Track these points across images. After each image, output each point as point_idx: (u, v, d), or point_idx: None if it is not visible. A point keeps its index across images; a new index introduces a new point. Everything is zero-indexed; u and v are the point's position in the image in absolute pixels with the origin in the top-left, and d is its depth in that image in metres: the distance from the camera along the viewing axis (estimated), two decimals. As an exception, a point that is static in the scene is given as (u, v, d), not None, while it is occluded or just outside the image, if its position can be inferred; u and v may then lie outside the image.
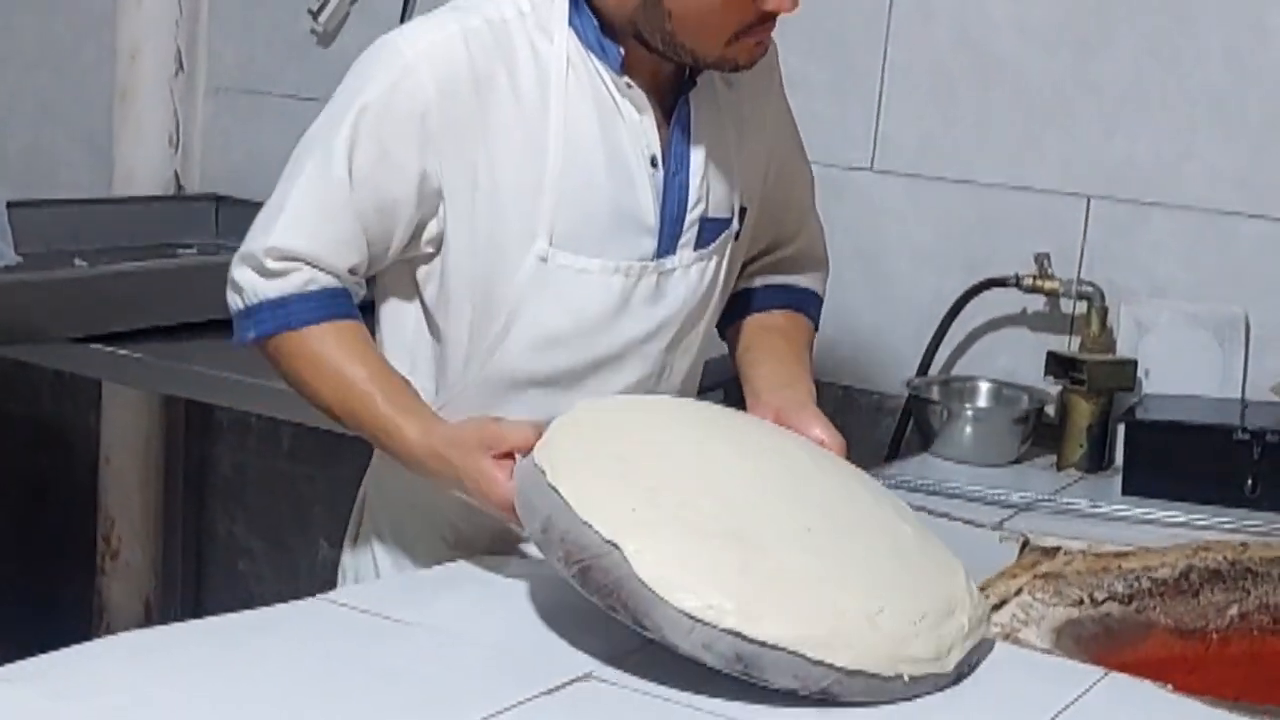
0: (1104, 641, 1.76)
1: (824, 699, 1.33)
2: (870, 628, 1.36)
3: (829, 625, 1.34)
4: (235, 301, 1.65)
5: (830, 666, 1.32)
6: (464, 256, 1.64)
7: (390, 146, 1.60)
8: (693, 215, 1.70)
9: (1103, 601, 1.82)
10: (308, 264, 1.62)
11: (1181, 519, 2.07)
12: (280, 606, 1.49)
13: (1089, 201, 2.44)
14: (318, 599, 1.51)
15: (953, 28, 2.50)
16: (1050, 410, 2.39)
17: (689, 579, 1.32)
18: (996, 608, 1.75)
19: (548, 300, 1.65)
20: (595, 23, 1.62)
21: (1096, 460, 2.33)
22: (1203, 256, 2.38)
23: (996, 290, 2.49)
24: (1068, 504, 2.12)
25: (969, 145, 2.50)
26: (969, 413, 2.39)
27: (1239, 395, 2.33)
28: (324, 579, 2.04)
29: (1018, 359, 2.52)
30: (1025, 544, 1.97)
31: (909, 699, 1.36)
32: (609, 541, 1.34)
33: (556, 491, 1.38)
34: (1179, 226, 2.39)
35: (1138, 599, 1.84)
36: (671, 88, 1.68)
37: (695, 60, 1.62)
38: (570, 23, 1.62)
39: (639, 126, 1.65)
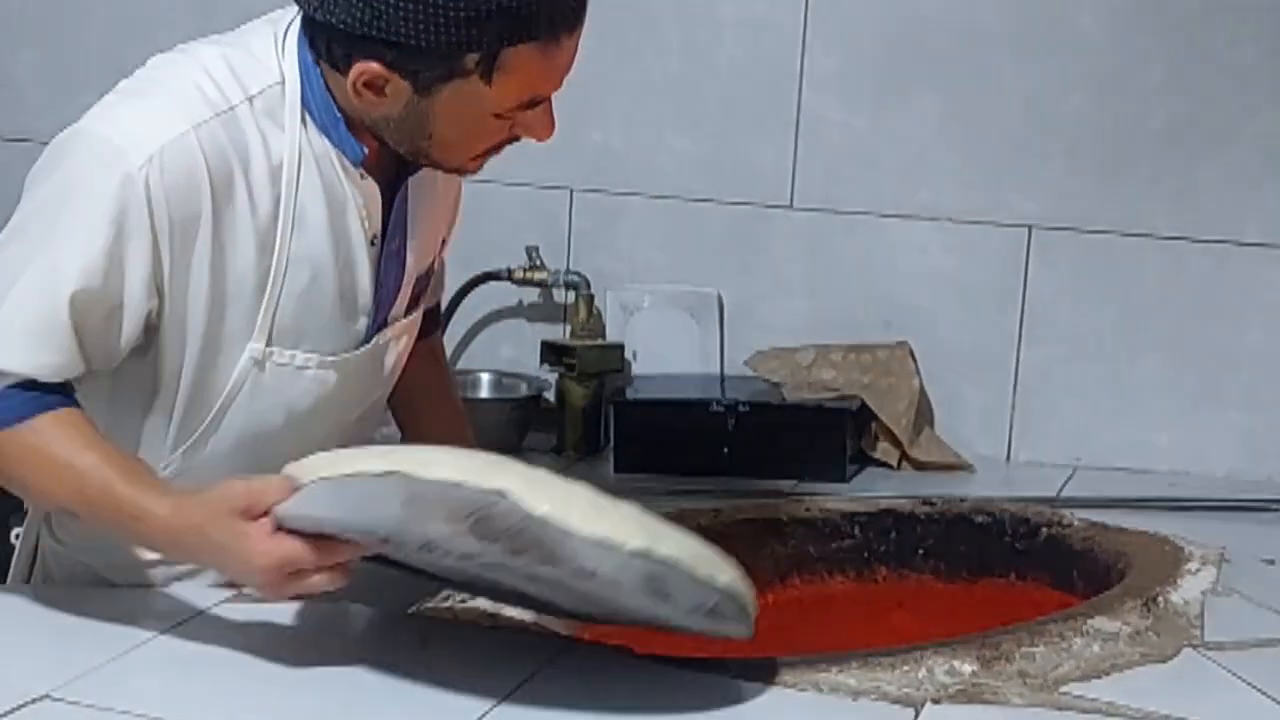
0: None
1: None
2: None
3: (707, 547, 1.35)
4: None
5: (713, 587, 1.34)
6: (175, 352, 1.54)
7: (124, 258, 1.47)
8: (408, 279, 1.67)
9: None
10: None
11: (666, 491, 2.17)
12: None
13: (572, 194, 2.52)
14: None
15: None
16: (551, 396, 2.46)
17: (575, 513, 1.29)
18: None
19: (261, 396, 1.57)
20: (339, 116, 1.53)
21: (593, 442, 2.42)
22: (677, 241, 2.49)
23: (493, 284, 2.54)
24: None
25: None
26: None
27: (718, 370, 2.46)
28: None
29: (520, 349, 2.58)
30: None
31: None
32: (492, 490, 1.28)
33: (394, 474, 1.32)
34: (655, 213, 2.49)
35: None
36: (396, 171, 1.61)
37: (431, 165, 1.58)
38: (306, 108, 1.53)
39: (364, 210, 1.58)
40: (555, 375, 2.44)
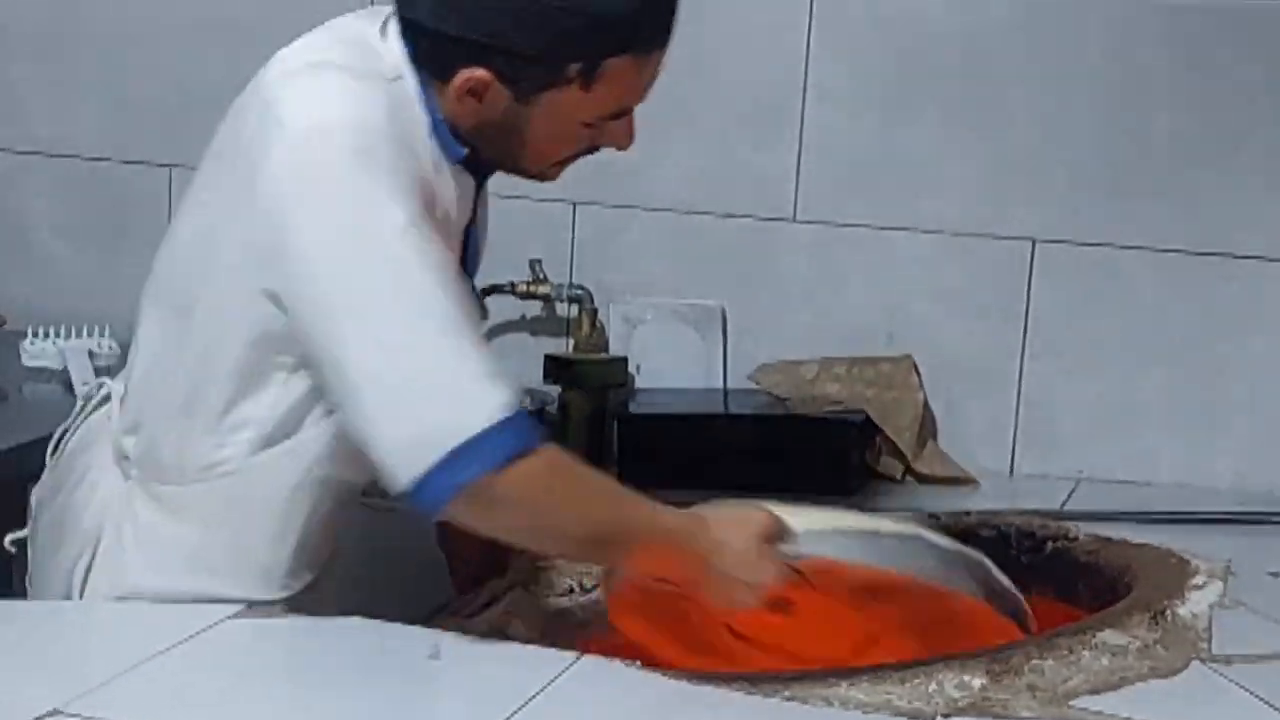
0: (596, 625, 1.83)
1: None
2: None
3: None
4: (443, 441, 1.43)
5: None
6: None
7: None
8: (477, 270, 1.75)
9: (592, 589, 1.89)
10: None
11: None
12: None
13: (575, 207, 2.52)
14: None
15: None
16: (555, 410, 2.46)
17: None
18: (488, 604, 1.80)
19: None
20: (440, 117, 1.56)
21: (596, 456, 2.41)
22: (681, 254, 2.50)
23: (496, 297, 2.54)
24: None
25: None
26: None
27: (721, 384, 2.46)
28: None
29: (524, 363, 2.57)
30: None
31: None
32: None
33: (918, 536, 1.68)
34: (658, 226, 2.50)
35: (625, 583, 1.91)
36: (477, 170, 1.64)
37: (513, 169, 1.63)
38: (422, 94, 1.56)
39: (460, 202, 1.61)
40: (559, 389, 2.44)
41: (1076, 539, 2.01)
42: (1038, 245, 2.37)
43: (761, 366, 2.43)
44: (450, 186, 1.59)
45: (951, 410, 2.40)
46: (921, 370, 2.38)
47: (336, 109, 1.49)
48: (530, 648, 1.59)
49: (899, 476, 2.32)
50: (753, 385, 2.42)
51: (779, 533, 1.59)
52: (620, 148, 1.63)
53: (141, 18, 2.68)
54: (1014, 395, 2.40)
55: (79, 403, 1.76)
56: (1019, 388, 2.40)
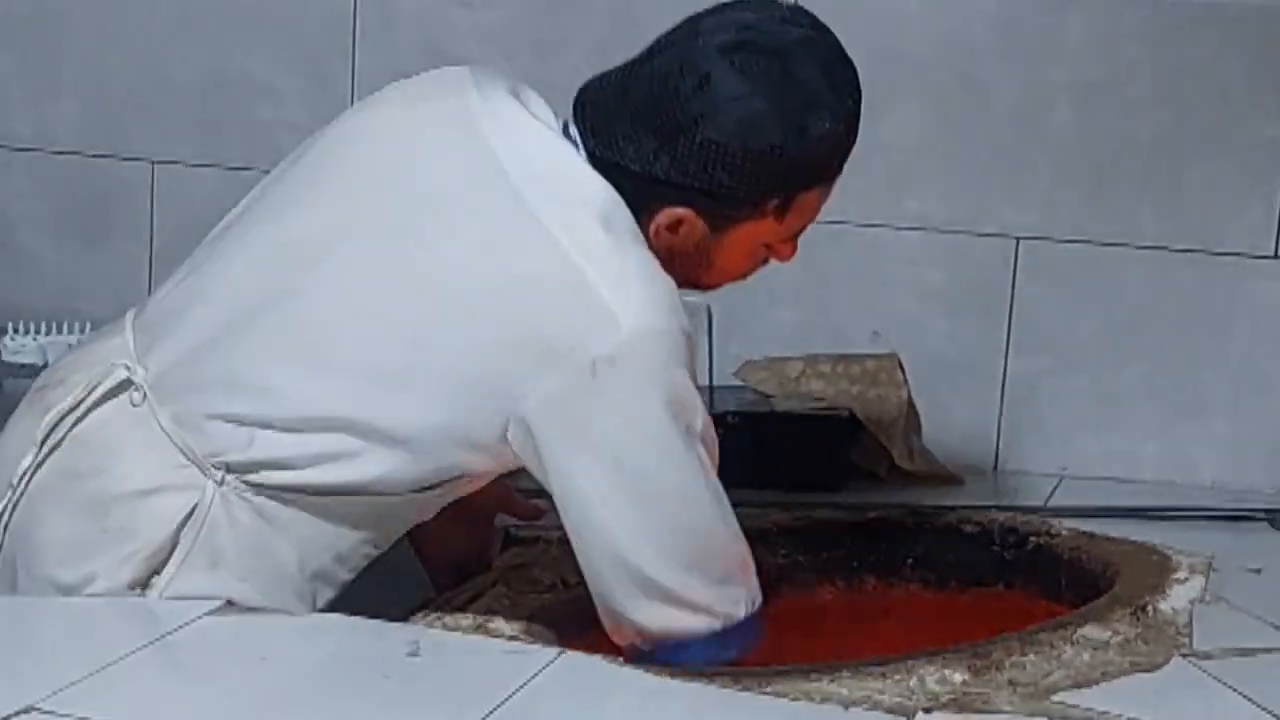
0: (576, 623, 1.82)
1: None
2: None
3: None
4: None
5: None
6: None
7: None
8: None
9: (575, 585, 1.88)
10: None
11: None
12: None
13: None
14: None
15: (416, 35, 2.54)
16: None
17: None
18: (471, 600, 1.79)
19: None
20: None
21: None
22: (665, 251, 2.49)
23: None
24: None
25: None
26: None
27: (707, 381, 2.45)
28: None
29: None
30: (506, 536, 2.02)
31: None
32: None
33: None
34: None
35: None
36: None
37: (689, 285, 1.67)
38: None
39: None
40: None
41: (1059, 535, 2.01)
42: (1021, 243, 2.37)
43: (747, 363, 2.43)
44: None
45: (935, 407, 2.39)
46: (906, 367, 2.37)
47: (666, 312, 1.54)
48: (511, 644, 1.59)
49: (883, 473, 2.32)
50: (738, 382, 2.41)
51: None
52: (784, 261, 1.72)
53: (122, 12, 2.67)
54: (998, 392, 2.40)
55: (83, 386, 1.63)
56: (1003, 385, 2.40)
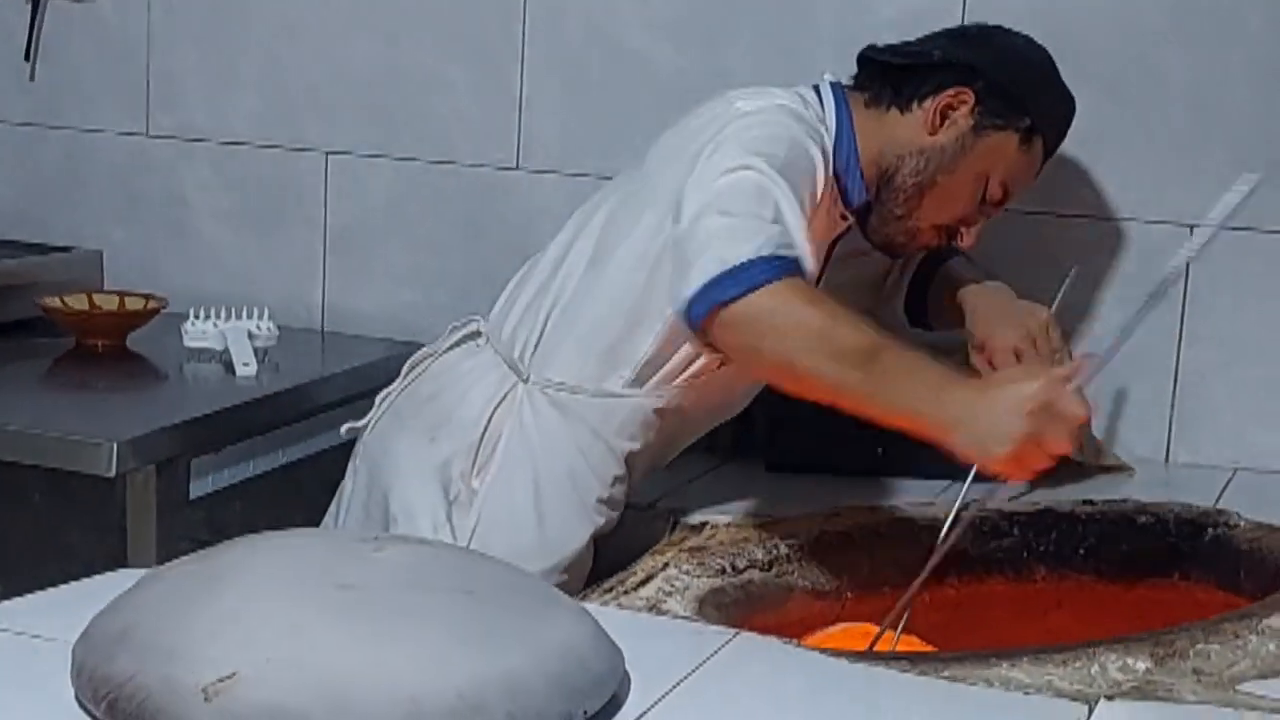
0: (745, 606, 1.84)
1: None
2: None
3: None
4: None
5: None
6: None
7: (806, 202, 1.79)
8: None
9: (744, 569, 1.90)
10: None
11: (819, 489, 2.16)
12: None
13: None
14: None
15: (585, 24, 2.56)
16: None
17: None
18: (643, 583, 1.81)
19: None
20: (857, 162, 1.93)
21: (743, 441, 2.41)
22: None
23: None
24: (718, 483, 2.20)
25: (607, 140, 2.56)
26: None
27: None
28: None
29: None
30: (674, 522, 2.04)
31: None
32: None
33: None
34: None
35: (777, 565, 1.92)
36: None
37: (886, 226, 1.96)
38: (837, 135, 1.93)
39: (832, 236, 1.96)
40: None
41: (1237, 526, 1.98)
42: (1196, 230, 2.32)
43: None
44: (826, 226, 1.91)
45: (1106, 397, 2.37)
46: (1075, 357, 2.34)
47: (775, 105, 1.87)
48: (687, 624, 1.60)
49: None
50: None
51: (1049, 400, 1.63)
52: (964, 243, 1.99)
53: (299, 6, 2.73)
54: (1170, 382, 2.36)
55: (448, 331, 2.08)
56: (1175, 375, 2.36)
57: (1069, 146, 2.36)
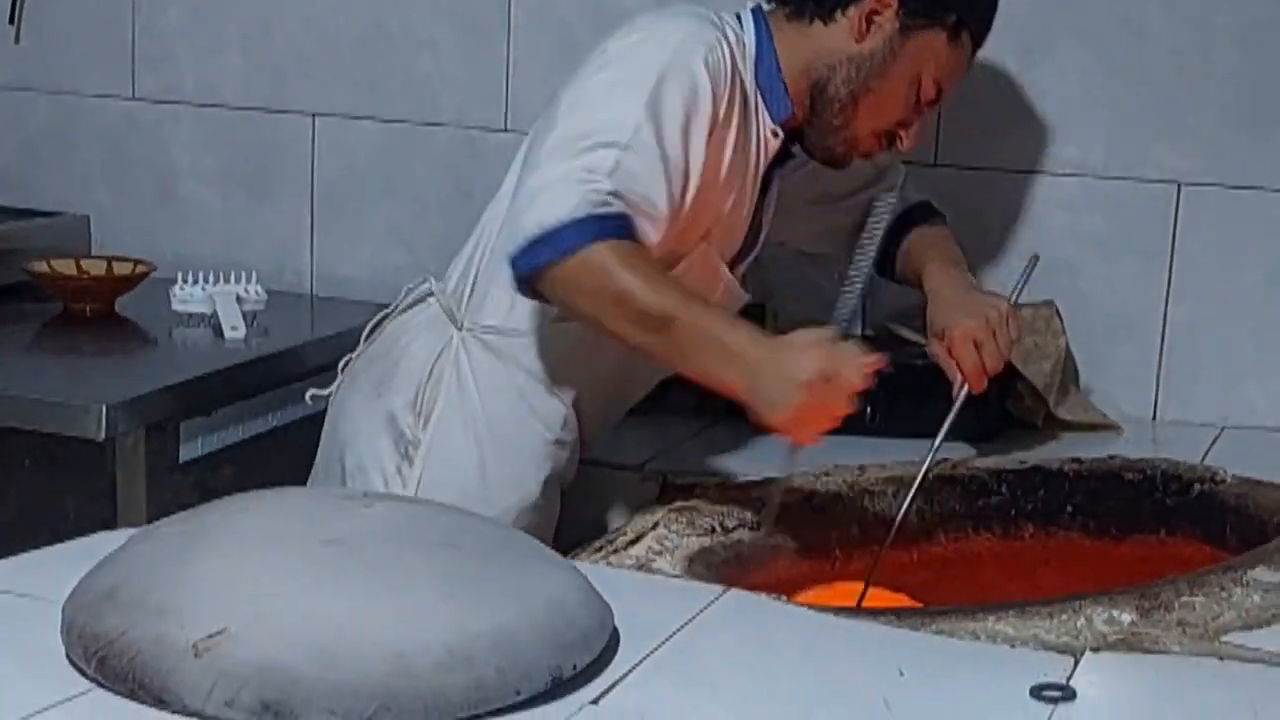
0: (734, 565, 1.84)
1: None
2: None
3: None
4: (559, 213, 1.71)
5: None
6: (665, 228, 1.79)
7: (691, 126, 1.78)
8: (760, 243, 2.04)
9: (734, 529, 1.90)
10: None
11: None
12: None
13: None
14: None
15: (574, -13, 2.56)
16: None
17: None
18: (633, 542, 1.81)
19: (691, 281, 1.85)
20: (780, 77, 1.90)
21: (732, 402, 2.41)
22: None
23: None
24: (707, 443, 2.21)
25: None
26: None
27: (859, 331, 2.45)
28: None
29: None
30: (664, 482, 2.04)
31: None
32: None
33: None
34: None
35: (765, 524, 1.93)
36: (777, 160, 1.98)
37: (825, 139, 1.94)
38: (756, 53, 1.90)
39: (764, 158, 1.93)
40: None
41: (1224, 481, 1.99)
42: (1183, 188, 2.33)
43: (899, 313, 2.42)
44: (761, 140, 1.90)
45: (1094, 356, 2.38)
46: (1063, 315, 2.35)
47: (669, 26, 1.83)
48: (677, 581, 1.61)
49: (1039, 422, 2.30)
50: (891, 330, 2.41)
51: (827, 371, 1.67)
52: (905, 146, 1.95)
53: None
54: (1158, 341, 2.37)
55: (404, 292, 2.06)
56: (1163, 333, 2.37)
57: (1056, 105, 2.37)
